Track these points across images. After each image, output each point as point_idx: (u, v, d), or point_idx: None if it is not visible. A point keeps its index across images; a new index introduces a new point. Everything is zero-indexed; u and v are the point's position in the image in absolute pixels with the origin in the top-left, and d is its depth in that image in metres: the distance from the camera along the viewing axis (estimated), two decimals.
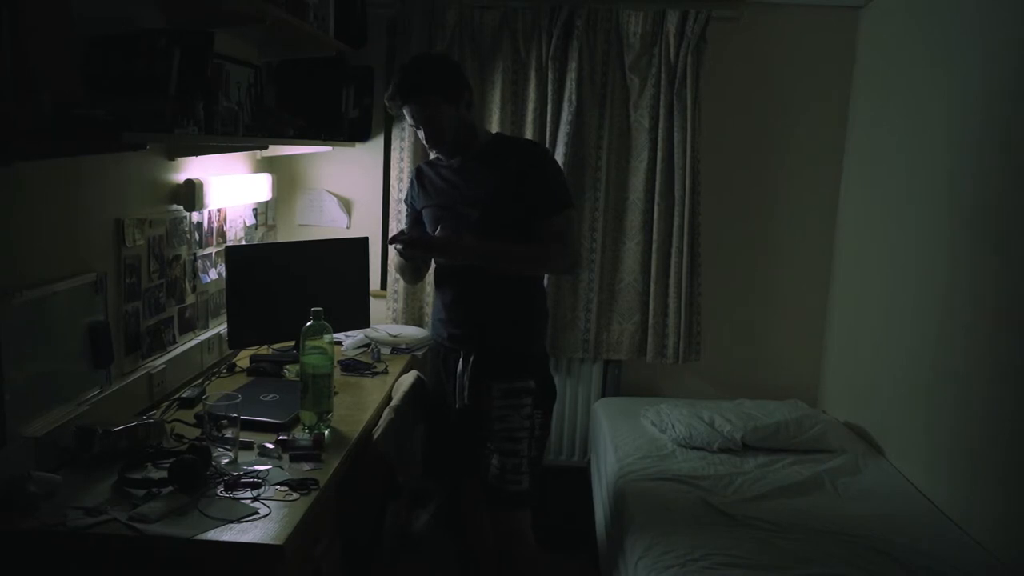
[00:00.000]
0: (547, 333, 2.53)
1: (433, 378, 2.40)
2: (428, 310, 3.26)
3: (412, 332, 3.06)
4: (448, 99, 2.16)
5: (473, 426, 2.24)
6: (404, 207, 2.59)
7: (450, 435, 2.34)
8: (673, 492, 2.42)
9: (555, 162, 2.39)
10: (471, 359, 2.23)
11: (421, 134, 2.22)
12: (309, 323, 2.09)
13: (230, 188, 2.71)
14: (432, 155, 2.32)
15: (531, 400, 2.21)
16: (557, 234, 2.18)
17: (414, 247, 2.24)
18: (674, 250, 3.19)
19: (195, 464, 1.73)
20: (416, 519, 2.84)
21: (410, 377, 2.56)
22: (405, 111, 2.20)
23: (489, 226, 2.18)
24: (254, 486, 1.73)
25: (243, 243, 2.95)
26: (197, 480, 1.71)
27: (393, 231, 3.25)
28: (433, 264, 2.42)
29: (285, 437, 2.00)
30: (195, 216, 2.54)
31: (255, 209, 3.09)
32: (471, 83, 2.29)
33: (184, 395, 2.30)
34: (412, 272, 2.46)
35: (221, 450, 1.84)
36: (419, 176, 2.40)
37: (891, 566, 2.02)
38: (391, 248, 2.29)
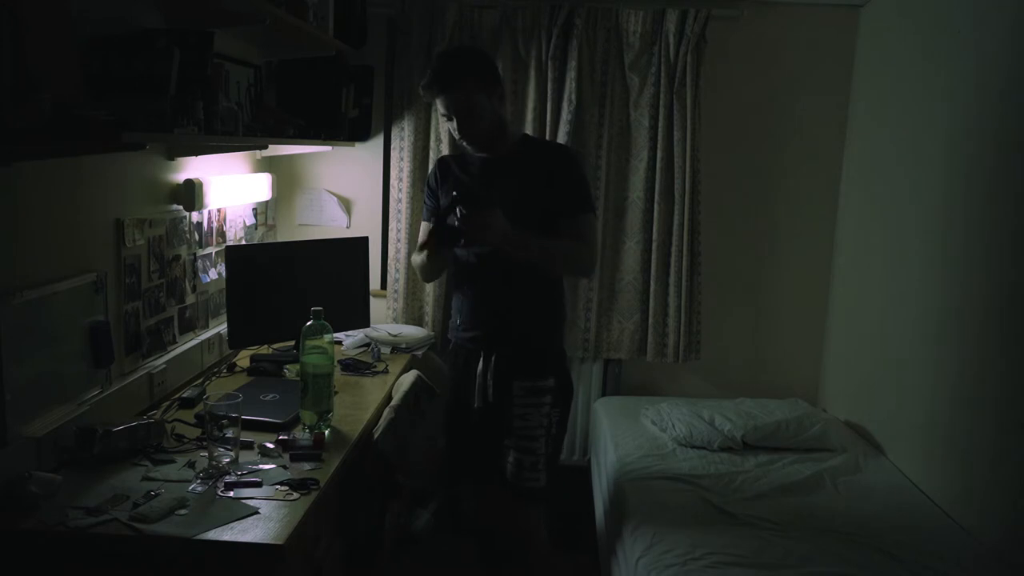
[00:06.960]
0: (565, 332, 2.52)
1: (454, 383, 2.39)
2: (428, 310, 3.26)
3: (412, 332, 3.06)
4: (483, 89, 2.16)
5: (493, 424, 2.24)
6: (421, 203, 2.46)
7: (472, 438, 2.33)
8: (673, 491, 2.42)
9: (583, 166, 2.36)
10: (492, 358, 2.24)
11: (453, 125, 2.20)
12: (309, 323, 2.08)
13: (230, 188, 2.71)
14: (461, 147, 2.29)
15: (550, 399, 2.22)
16: (579, 234, 2.19)
17: (445, 239, 2.16)
18: (674, 249, 3.19)
19: None
20: (416, 519, 2.84)
21: (410, 376, 2.56)
22: (439, 101, 2.18)
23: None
24: (254, 486, 1.73)
25: (243, 243, 2.94)
26: None
27: (393, 231, 3.25)
28: (452, 266, 2.37)
29: (285, 437, 2.00)
30: (195, 216, 2.54)
31: (255, 209, 3.09)
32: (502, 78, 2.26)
33: (184, 395, 2.30)
34: (431, 269, 2.42)
35: (221, 450, 1.84)
36: (443, 167, 2.37)
37: (891, 564, 2.03)
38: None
